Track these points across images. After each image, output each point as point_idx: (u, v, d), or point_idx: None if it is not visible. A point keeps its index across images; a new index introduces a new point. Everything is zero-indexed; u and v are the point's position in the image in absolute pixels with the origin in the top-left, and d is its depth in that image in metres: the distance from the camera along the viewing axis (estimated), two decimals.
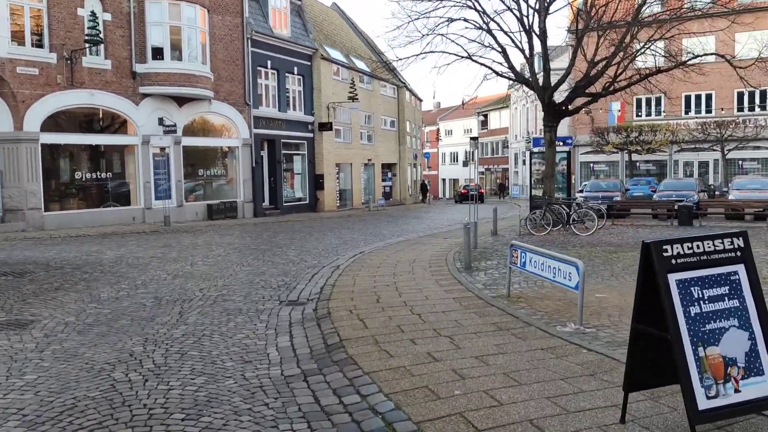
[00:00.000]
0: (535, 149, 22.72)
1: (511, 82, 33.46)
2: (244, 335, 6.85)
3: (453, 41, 20.34)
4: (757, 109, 33.55)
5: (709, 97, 34.65)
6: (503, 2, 19.72)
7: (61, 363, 5.80)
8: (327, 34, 36.28)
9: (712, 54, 21.08)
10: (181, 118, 23.34)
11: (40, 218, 19.19)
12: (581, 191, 27.28)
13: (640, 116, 36.22)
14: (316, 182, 32.01)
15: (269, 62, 28.18)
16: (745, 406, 3.51)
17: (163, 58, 22.39)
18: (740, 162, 34.34)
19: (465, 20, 19.85)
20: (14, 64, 18.57)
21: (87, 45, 19.82)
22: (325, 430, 4.23)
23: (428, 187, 53.71)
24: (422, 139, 58.42)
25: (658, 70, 19.57)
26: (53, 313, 7.92)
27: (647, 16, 20.18)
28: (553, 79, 20.18)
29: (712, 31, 24.25)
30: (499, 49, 19.84)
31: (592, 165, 38.81)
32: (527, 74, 21.38)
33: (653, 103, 35.88)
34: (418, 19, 19.81)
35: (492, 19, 19.66)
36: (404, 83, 43.93)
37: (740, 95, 33.47)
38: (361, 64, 36.79)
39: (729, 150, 32.50)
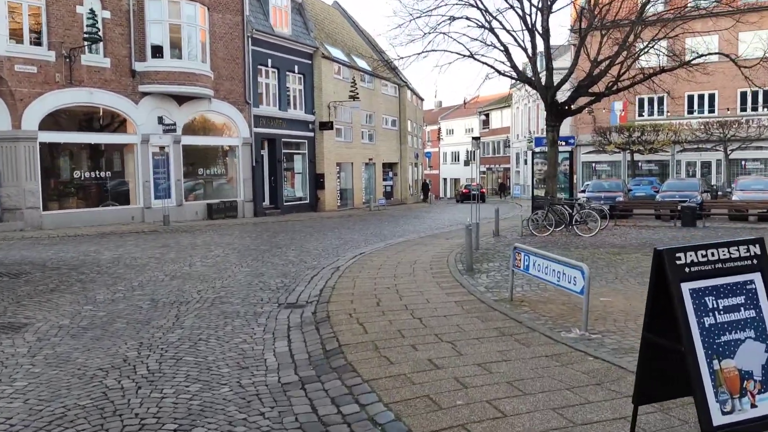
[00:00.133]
0: (537, 149, 22.57)
1: (513, 81, 33.29)
2: (241, 339, 6.70)
3: (455, 40, 20.19)
4: (761, 109, 33.34)
5: (712, 96, 34.45)
6: (506, 0, 19.57)
7: (53, 369, 5.66)
8: (328, 33, 36.11)
9: (716, 53, 20.89)
10: (180, 116, 23.18)
11: (38, 217, 19.05)
12: (583, 191, 27.10)
13: (643, 116, 36.01)
14: (317, 182, 31.86)
15: (270, 61, 28.02)
16: (761, 421, 3.35)
17: (162, 57, 22.24)
18: (743, 162, 34.15)
19: (467, 18, 19.74)
20: (12, 62, 18.43)
21: (86, 43, 19.68)
22: None
23: (430, 187, 53.55)
24: (423, 138, 58.24)
25: (663, 70, 19.41)
26: (47, 315, 7.78)
27: (651, 15, 20.02)
28: (556, 79, 20.03)
29: (716, 30, 24.03)
30: (502, 48, 19.73)
31: (594, 165, 38.63)
32: (530, 73, 21.23)
33: (656, 102, 35.67)
34: (419, 17, 19.81)
35: (494, 18, 19.55)
36: (405, 82, 43.77)
37: (743, 95, 33.29)
38: (362, 63, 36.64)
39: (732, 150, 32.31)
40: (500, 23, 20.87)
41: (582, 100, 20.95)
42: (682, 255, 3.42)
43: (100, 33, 19.75)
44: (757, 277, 3.51)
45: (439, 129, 77.95)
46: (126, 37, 21.47)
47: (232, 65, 25.61)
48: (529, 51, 19.55)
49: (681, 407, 4.24)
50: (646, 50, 19.41)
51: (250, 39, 26.36)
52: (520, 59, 23.32)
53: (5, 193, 18.67)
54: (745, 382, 3.35)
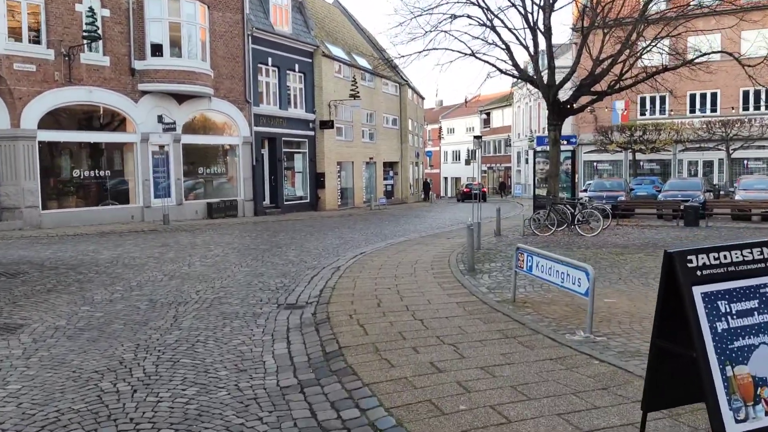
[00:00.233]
0: (539, 148, 22.44)
1: (514, 80, 33.17)
2: (239, 341, 6.59)
3: (456, 38, 20.24)
4: (763, 108, 33.19)
5: (714, 95, 34.29)
6: None
7: (48, 371, 5.55)
8: (328, 31, 35.99)
9: (719, 52, 20.75)
10: (180, 115, 23.07)
11: (37, 217, 18.95)
12: (585, 191, 26.98)
13: (645, 115, 35.86)
14: (317, 181, 31.74)
15: (270, 59, 27.91)
16: None
17: (162, 55, 22.13)
18: (745, 161, 34.01)
19: (468, 17, 19.62)
20: (11, 61, 18.32)
21: (85, 41, 19.58)
22: None
23: (431, 186, 53.43)
24: (424, 137, 58.13)
25: (665, 69, 19.28)
26: (44, 316, 7.67)
27: (653, 13, 19.88)
28: (558, 77, 19.90)
29: (719, 28, 23.88)
30: (503, 47, 19.59)
31: (595, 164, 38.48)
32: (531, 72, 21.11)
33: (658, 101, 35.51)
34: (420, 15, 19.61)
35: (496, 16, 19.45)
36: (406, 81, 43.63)
37: (746, 94, 33.13)
38: (362, 62, 36.50)
39: (734, 149, 32.16)
40: (502, 21, 20.80)
41: (584, 99, 20.82)
42: (693, 257, 3.31)
43: (100, 31, 19.64)
44: None
45: (440, 128, 77.78)
46: (125, 35, 21.36)
47: (233, 64, 25.49)
48: (531, 49, 19.43)
49: (690, 413, 4.13)
50: (648, 49, 19.26)
51: (250, 37, 26.24)
52: (522, 58, 23.28)
53: (4, 192, 18.57)
54: (760, 389, 3.24)
